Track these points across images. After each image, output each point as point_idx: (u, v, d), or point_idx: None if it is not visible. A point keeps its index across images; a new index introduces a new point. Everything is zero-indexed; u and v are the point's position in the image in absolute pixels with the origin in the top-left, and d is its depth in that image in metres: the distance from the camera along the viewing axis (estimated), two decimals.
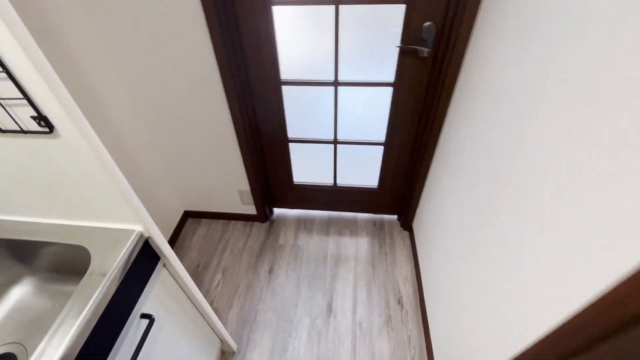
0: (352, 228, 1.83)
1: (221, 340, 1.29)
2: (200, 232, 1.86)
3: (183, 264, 1.69)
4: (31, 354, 0.75)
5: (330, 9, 1.10)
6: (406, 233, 1.78)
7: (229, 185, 1.69)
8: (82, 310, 0.63)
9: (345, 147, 1.53)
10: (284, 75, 1.30)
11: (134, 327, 0.78)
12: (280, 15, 1.14)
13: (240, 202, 1.78)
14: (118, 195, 0.68)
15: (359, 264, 1.66)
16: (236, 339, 1.42)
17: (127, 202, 0.69)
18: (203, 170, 1.63)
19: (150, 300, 0.84)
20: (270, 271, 1.66)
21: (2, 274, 0.81)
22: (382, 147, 1.51)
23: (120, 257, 0.73)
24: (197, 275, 1.66)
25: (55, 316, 0.78)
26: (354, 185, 1.73)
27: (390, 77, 1.26)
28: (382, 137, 1.47)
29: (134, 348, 0.77)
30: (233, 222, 1.91)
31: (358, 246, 1.74)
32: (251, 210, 1.82)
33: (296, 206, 1.91)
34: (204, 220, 1.92)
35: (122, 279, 0.73)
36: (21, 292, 0.84)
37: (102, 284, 0.68)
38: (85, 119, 0.59)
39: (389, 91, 1.30)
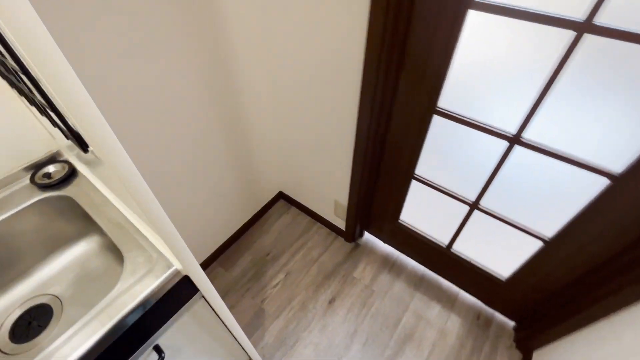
0: (447, 304, 1.43)
1: (249, 357, 1.18)
2: (284, 220, 1.77)
3: (254, 246, 1.63)
4: (63, 314, 0.73)
5: (564, 36, 0.66)
6: (517, 354, 1.27)
7: (327, 190, 1.49)
8: (105, 324, 0.55)
9: (484, 216, 1.10)
10: (443, 102, 0.94)
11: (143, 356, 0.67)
12: (473, 22, 0.76)
13: (332, 211, 1.58)
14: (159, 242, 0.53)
15: (435, 356, 1.28)
16: (267, 354, 1.30)
17: (169, 247, 0.53)
18: (308, 165, 1.46)
19: (174, 328, 0.72)
20: (331, 302, 1.45)
21: (74, 226, 0.82)
22: (540, 243, 1.02)
23: (153, 287, 0.61)
24: (262, 264, 1.58)
25: (102, 287, 0.74)
26: (473, 260, 1.29)
27: (617, 166, 0.76)
28: (548, 231, 0.99)
29: None
30: (319, 224, 1.74)
31: (444, 333, 1.34)
32: (341, 224, 1.60)
33: (391, 243, 1.60)
34: (293, 209, 1.81)
35: (150, 308, 0.62)
36: (85, 247, 0.83)
37: (128, 309, 0.58)
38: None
39: (600, 182, 0.80)
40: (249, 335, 1.36)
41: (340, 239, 1.67)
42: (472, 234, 1.23)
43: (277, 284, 1.51)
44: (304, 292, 1.48)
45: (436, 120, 0.99)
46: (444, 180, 1.14)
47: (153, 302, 0.62)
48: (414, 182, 1.22)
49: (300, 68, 1.09)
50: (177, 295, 0.66)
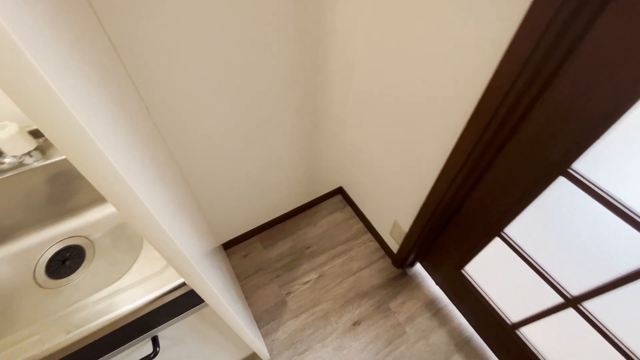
0: None
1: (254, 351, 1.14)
2: (336, 217, 1.65)
3: (298, 234, 1.56)
4: (92, 262, 0.74)
5: None
6: None
7: (390, 206, 1.31)
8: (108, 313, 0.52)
9: (580, 318, 0.83)
10: (582, 165, 0.68)
11: (138, 344, 0.64)
12: None
13: (389, 229, 1.40)
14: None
15: None
16: (275, 349, 1.26)
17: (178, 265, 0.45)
18: (378, 175, 1.29)
19: (177, 324, 0.68)
20: (356, 324, 1.32)
21: None
22: None
23: (158, 293, 0.56)
24: (300, 255, 1.51)
25: (126, 255, 0.73)
26: (540, 354, 1.03)
27: None
28: None
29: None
30: (370, 235, 1.58)
31: None
32: (393, 245, 1.43)
33: (444, 288, 1.38)
34: (348, 209, 1.68)
35: (154, 310, 0.57)
36: None
37: (132, 307, 0.54)
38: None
39: None
40: (265, 323, 1.33)
41: (388, 260, 1.50)
42: (552, 327, 0.96)
43: (307, 282, 1.43)
44: (331, 302, 1.38)
45: (561, 183, 0.73)
46: (541, 255, 0.88)
47: (159, 304, 0.56)
48: (497, 240, 0.98)
49: (402, 97, 0.91)
50: (182, 301, 0.60)
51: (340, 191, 1.72)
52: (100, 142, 0.28)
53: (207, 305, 0.68)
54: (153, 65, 0.74)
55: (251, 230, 1.54)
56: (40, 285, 0.71)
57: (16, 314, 0.67)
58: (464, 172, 0.86)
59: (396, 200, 1.25)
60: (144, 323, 0.60)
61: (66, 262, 0.74)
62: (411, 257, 1.37)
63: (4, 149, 0.64)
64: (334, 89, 1.13)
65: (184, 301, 0.61)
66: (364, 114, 1.18)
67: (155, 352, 0.62)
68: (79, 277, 0.72)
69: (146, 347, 0.65)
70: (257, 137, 1.11)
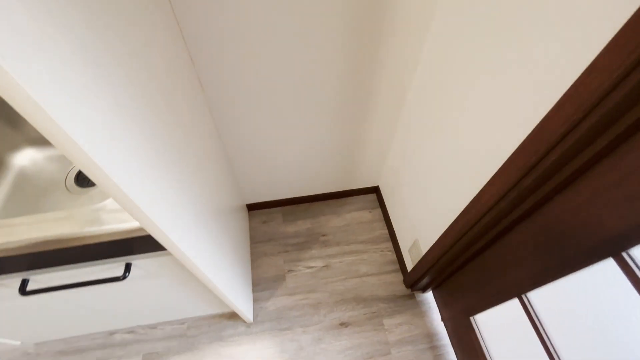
0: None
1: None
2: (362, 215, 1.58)
3: (320, 219, 1.54)
4: None
5: None
6: None
7: (415, 221, 1.20)
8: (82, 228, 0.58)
9: None
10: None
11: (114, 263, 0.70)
12: None
13: (408, 245, 1.30)
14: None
15: None
16: (259, 317, 1.30)
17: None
18: (412, 183, 1.18)
19: (153, 260, 0.72)
20: (343, 325, 1.29)
21: None
22: None
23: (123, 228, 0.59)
24: (314, 240, 1.50)
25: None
26: None
27: None
28: None
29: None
30: (390, 245, 1.49)
31: None
32: (409, 263, 1.33)
33: (447, 327, 1.25)
34: (377, 211, 1.60)
35: (135, 237, 0.61)
36: None
37: (101, 230, 0.58)
38: None
39: None
40: (259, 289, 1.37)
41: (399, 277, 1.41)
42: None
43: (311, 268, 1.43)
44: (327, 295, 1.36)
45: (609, 266, 0.57)
46: (560, 337, 0.73)
47: (139, 234, 0.60)
48: (516, 301, 0.83)
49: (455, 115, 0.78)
50: (149, 242, 0.63)
51: (375, 191, 1.64)
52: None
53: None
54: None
55: (277, 200, 1.57)
56: (67, 189, 0.82)
57: (44, 202, 0.78)
58: (494, 212, 0.73)
59: (422, 218, 1.14)
60: (125, 245, 0.65)
61: None
62: (424, 281, 1.26)
63: None
64: (385, 91, 1.04)
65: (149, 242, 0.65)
66: (413, 124, 1.07)
67: (124, 277, 0.68)
68: (96, 190, 0.81)
69: (118, 270, 0.71)
70: (304, 114, 1.08)
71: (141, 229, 0.60)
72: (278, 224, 1.56)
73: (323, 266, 1.43)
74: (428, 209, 1.08)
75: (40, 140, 0.87)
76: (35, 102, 0.29)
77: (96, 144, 0.36)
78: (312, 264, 1.44)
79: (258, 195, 1.51)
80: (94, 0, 0.39)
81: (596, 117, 0.46)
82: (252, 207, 1.58)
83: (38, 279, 0.69)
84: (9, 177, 0.82)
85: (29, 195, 0.80)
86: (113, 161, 0.39)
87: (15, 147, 0.85)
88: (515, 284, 0.81)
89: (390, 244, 1.49)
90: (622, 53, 0.40)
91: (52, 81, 0.30)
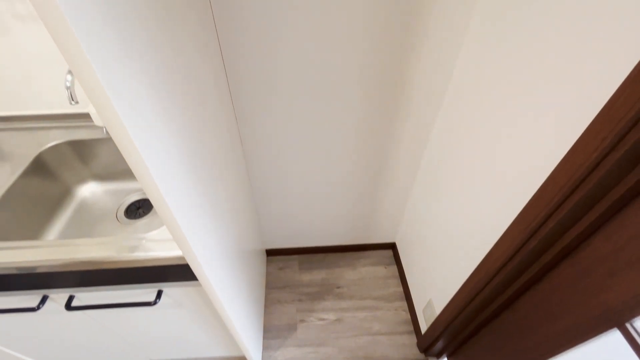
0: None
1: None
2: (378, 271, 1.60)
3: (335, 270, 1.57)
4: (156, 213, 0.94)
5: None
6: None
7: (430, 280, 1.21)
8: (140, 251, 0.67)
9: None
10: None
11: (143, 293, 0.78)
12: None
13: (423, 305, 1.29)
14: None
15: None
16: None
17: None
18: (427, 237, 1.22)
19: (180, 290, 0.79)
20: None
21: None
22: None
23: (174, 254, 0.68)
24: (328, 291, 1.51)
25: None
26: None
27: None
28: None
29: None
30: (405, 304, 1.47)
31: None
32: (423, 325, 1.30)
33: None
34: (393, 268, 1.61)
35: (169, 265, 0.70)
36: None
37: (144, 256, 0.68)
38: None
39: None
40: (270, 336, 1.37)
41: (413, 339, 1.37)
42: None
43: (324, 320, 1.42)
44: (337, 350, 1.33)
45: (614, 338, 0.58)
46: None
47: (174, 262, 0.69)
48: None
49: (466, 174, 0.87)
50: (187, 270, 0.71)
51: (392, 247, 1.67)
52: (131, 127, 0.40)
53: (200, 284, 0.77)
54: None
55: (295, 248, 1.63)
56: (117, 219, 0.94)
57: (96, 229, 0.90)
58: (502, 275, 0.76)
59: (436, 277, 1.15)
60: (160, 272, 0.73)
61: (139, 209, 0.95)
62: (438, 345, 1.22)
63: (96, 119, 0.88)
64: (404, 151, 1.15)
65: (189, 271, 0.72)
66: (426, 184, 1.15)
67: (155, 302, 0.75)
68: (142, 222, 0.93)
69: (150, 295, 0.78)
70: (327, 168, 1.20)
71: (177, 258, 0.69)
72: (294, 272, 1.60)
73: (335, 319, 1.42)
74: (441, 268, 1.10)
75: (101, 176, 1.02)
76: (137, 151, 0.40)
77: (167, 185, 0.47)
78: (324, 315, 1.43)
79: (277, 241, 1.58)
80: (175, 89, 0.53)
81: (584, 191, 0.53)
82: (270, 253, 1.64)
83: (81, 297, 0.78)
84: (73, 204, 0.96)
85: (85, 221, 0.93)
86: (175, 199, 0.50)
87: (82, 180, 1.00)
88: (530, 352, 0.79)
89: (404, 303, 1.47)
90: (595, 139, 0.48)
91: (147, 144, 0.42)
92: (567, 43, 0.55)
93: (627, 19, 0.44)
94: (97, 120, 0.87)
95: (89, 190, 1.00)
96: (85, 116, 0.99)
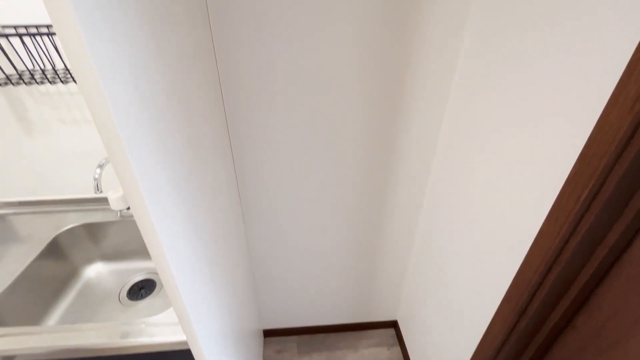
0: None
1: None
2: (381, 353, 1.51)
3: (336, 354, 1.49)
4: (159, 294, 0.96)
5: None
6: None
7: None
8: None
9: None
10: None
11: None
12: None
13: None
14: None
15: None
16: None
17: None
18: (428, 316, 1.20)
19: None
20: None
21: None
22: None
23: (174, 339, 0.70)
24: None
25: None
26: None
27: None
28: None
29: None
30: None
31: None
32: None
33: None
34: (396, 349, 1.53)
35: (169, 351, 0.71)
36: None
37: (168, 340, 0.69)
38: None
39: None
40: None
41: None
42: None
43: None
44: None
45: None
46: None
47: (175, 348, 0.70)
48: None
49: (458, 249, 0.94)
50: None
51: (394, 326, 1.61)
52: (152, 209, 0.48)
53: None
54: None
55: (294, 328, 1.57)
56: (119, 300, 0.96)
57: (98, 311, 0.91)
58: (502, 356, 0.76)
59: (439, 358, 1.11)
60: (158, 358, 0.73)
61: (142, 290, 0.98)
62: None
63: (113, 204, 0.97)
64: (399, 221, 1.22)
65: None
66: (420, 264, 1.20)
67: None
68: (144, 303, 0.94)
69: None
70: (323, 239, 1.26)
71: (178, 344, 0.70)
72: (292, 355, 1.51)
73: None
74: (443, 349, 1.07)
75: (109, 256, 1.06)
76: (157, 234, 0.47)
77: (177, 265, 0.53)
78: None
79: (275, 320, 1.53)
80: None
81: (556, 271, 0.58)
82: (268, 334, 1.58)
83: None
84: (78, 285, 0.99)
85: (88, 303, 0.94)
86: (183, 279, 0.55)
87: (90, 260, 1.05)
88: None
89: None
90: (555, 225, 0.55)
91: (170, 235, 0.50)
92: (513, 150, 0.66)
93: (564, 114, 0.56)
94: (114, 205, 0.96)
95: (95, 270, 1.04)
96: (101, 200, 1.08)
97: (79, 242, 1.01)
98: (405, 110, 0.95)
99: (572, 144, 0.53)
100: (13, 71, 0.83)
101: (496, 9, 0.71)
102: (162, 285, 0.96)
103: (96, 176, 0.82)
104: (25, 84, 0.80)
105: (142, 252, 1.06)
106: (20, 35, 0.75)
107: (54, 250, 0.95)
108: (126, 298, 0.96)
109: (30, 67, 0.83)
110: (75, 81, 0.84)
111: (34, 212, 1.05)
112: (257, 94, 0.88)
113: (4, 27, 0.80)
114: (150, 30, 0.45)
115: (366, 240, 1.27)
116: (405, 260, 1.35)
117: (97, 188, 0.83)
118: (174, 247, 0.51)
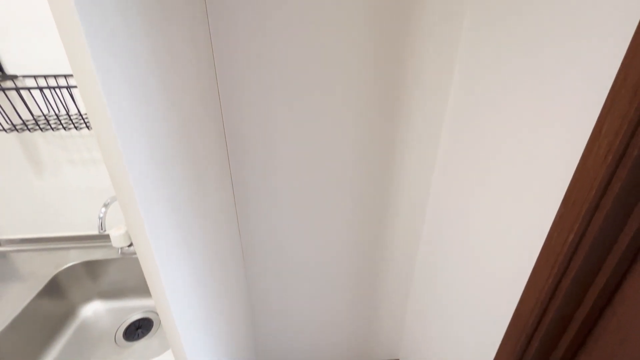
0: None
1: None
2: None
3: None
4: (156, 333, 0.95)
5: None
6: None
7: None
8: None
9: None
10: None
11: None
12: None
13: None
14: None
15: None
16: None
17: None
18: (432, 352, 1.16)
19: None
20: None
21: None
22: None
23: None
24: None
25: None
26: None
27: None
28: None
29: None
30: None
31: None
32: None
33: None
34: None
35: None
36: None
37: None
38: None
39: None
40: None
41: None
42: None
43: None
44: None
45: None
46: None
47: None
48: None
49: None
50: None
51: None
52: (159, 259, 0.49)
53: None
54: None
55: None
56: (115, 341, 0.94)
57: (93, 352, 0.90)
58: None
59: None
60: None
61: (138, 329, 0.97)
62: None
63: (115, 242, 0.98)
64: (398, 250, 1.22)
65: None
66: (419, 303, 1.19)
67: None
68: (140, 344, 0.93)
69: None
70: (324, 285, 1.25)
71: None
72: None
73: None
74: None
75: (107, 294, 1.06)
76: (159, 275, 0.49)
77: (182, 325, 0.54)
78: None
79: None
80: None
81: (551, 312, 0.59)
82: None
83: None
84: (74, 325, 0.98)
85: (83, 344, 0.93)
86: (183, 322, 0.56)
87: (88, 298, 1.04)
88: None
89: None
90: (547, 267, 0.57)
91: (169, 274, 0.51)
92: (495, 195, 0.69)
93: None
94: (115, 242, 0.97)
95: (92, 309, 1.03)
96: (102, 237, 1.10)
97: (78, 280, 1.01)
98: (399, 155, 0.99)
99: (560, 187, 0.56)
100: (29, 116, 0.88)
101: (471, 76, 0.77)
102: (160, 325, 0.95)
103: (101, 215, 0.85)
104: (41, 129, 0.85)
105: (140, 290, 1.06)
106: (41, 89, 0.81)
107: (53, 288, 0.95)
108: (122, 339, 0.95)
109: (45, 112, 0.88)
110: (88, 127, 0.88)
111: (36, 250, 1.06)
112: (261, 143, 0.93)
113: (25, 77, 0.86)
114: (164, 89, 0.49)
115: (365, 283, 1.26)
116: (405, 298, 1.33)
117: (102, 227, 0.85)
118: (175, 290, 0.53)
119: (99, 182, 1.00)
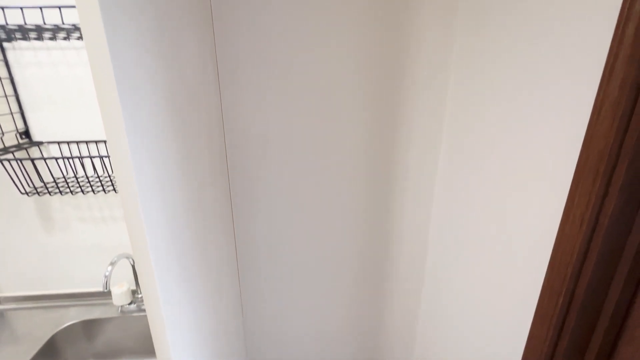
0: None
1: None
2: None
3: None
4: None
5: None
6: None
7: None
8: None
9: None
10: None
11: None
12: None
13: None
14: None
15: None
16: None
17: None
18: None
19: None
20: None
21: None
22: None
23: None
24: None
25: None
26: None
27: None
28: None
29: None
30: None
31: None
32: None
33: None
34: None
35: None
36: None
37: None
38: None
39: None
40: None
41: None
42: None
43: None
44: None
45: None
46: None
47: None
48: None
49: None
50: None
51: None
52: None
53: None
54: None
55: None
56: None
57: None
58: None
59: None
60: None
61: None
62: None
63: (117, 299, 0.99)
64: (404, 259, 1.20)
65: None
66: (434, 317, 1.15)
67: None
68: None
69: None
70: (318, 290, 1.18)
71: None
72: None
73: None
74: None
75: (103, 355, 1.04)
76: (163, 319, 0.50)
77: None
78: None
79: None
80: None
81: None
82: None
83: None
84: None
85: None
86: None
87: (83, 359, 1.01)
88: None
89: None
90: (542, 330, 0.58)
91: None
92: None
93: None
94: (117, 300, 0.98)
95: None
96: (103, 295, 1.09)
97: (75, 340, 1.00)
98: (400, 155, 0.99)
99: (545, 253, 0.59)
100: (50, 178, 0.93)
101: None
102: None
103: (107, 273, 0.87)
104: (61, 193, 0.90)
105: (136, 350, 1.03)
106: (66, 158, 0.88)
107: (50, 350, 0.93)
108: None
109: (65, 173, 0.94)
110: (104, 190, 0.94)
111: (34, 307, 1.05)
112: (263, 194, 0.97)
113: (49, 143, 0.94)
114: (181, 159, 0.56)
115: (370, 287, 1.18)
116: (416, 303, 1.22)
117: (106, 285, 0.86)
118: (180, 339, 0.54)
119: (105, 239, 1.03)
